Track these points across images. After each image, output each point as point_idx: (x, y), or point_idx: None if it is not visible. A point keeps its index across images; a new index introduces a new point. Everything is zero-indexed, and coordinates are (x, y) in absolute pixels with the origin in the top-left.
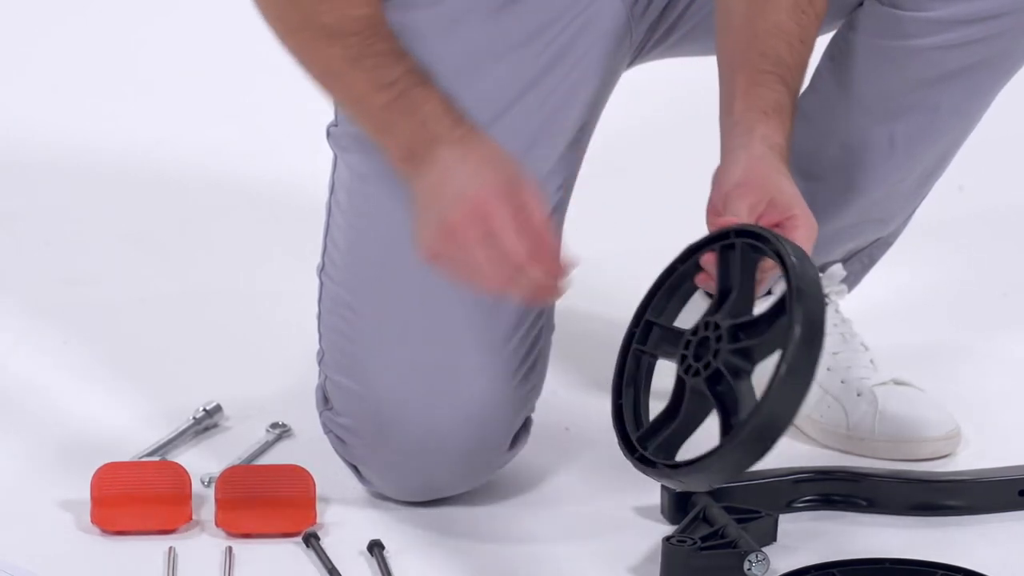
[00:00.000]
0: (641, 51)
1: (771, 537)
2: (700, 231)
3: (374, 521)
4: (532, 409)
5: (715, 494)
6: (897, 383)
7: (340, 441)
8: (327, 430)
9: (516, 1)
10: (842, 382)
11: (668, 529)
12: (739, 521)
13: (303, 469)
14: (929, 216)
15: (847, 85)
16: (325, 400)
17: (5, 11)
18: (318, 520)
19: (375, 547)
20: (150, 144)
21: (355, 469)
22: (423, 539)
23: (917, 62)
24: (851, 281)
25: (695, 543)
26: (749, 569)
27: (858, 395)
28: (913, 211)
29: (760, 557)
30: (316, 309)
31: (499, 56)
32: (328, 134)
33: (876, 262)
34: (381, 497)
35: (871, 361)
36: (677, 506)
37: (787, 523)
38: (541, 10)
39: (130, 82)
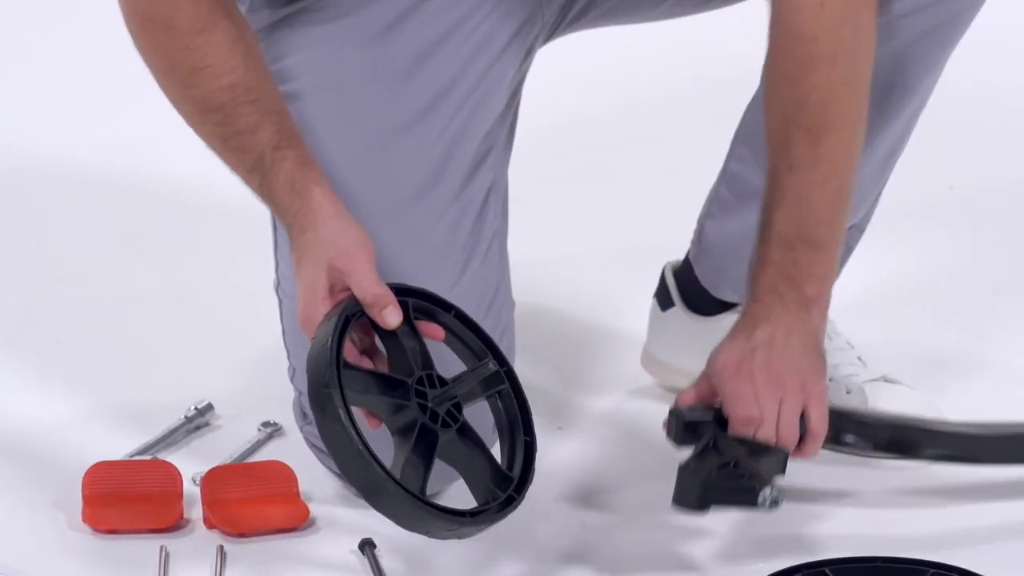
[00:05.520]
0: (556, 29)
1: (781, 470)
2: (678, 227)
3: (365, 520)
4: None
5: (723, 424)
6: (887, 380)
7: (325, 455)
8: (310, 444)
9: (407, 20)
10: (831, 380)
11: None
12: (750, 453)
13: (285, 464)
14: (918, 215)
15: None
16: (304, 415)
17: (8, 12)
18: (310, 516)
19: (366, 546)
20: (141, 143)
21: (343, 479)
22: (414, 538)
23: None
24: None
25: (711, 473)
26: (763, 501)
27: (847, 392)
28: (879, 195)
29: (776, 490)
30: (280, 326)
31: (401, 78)
32: None
33: (853, 251)
34: None
35: (859, 358)
36: (685, 430)
37: (777, 521)
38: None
39: (119, 84)
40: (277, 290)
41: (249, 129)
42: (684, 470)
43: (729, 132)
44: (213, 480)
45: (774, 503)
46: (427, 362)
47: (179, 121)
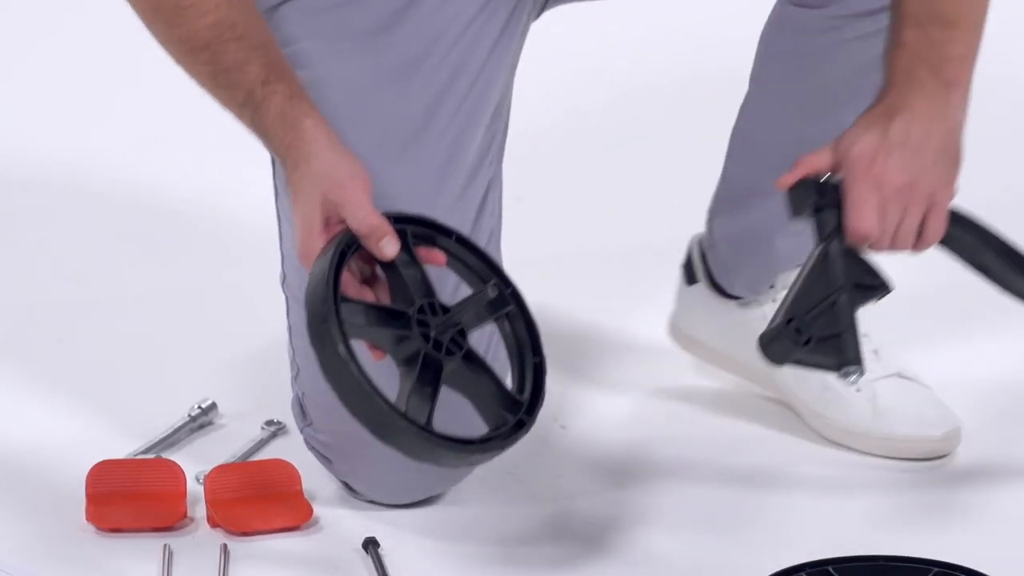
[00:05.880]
0: (546, 3)
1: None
2: (680, 225)
3: (369, 518)
4: None
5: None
6: (902, 377)
7: (325, 459)
8: (310, 447)
9: (405, 19)
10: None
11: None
12: (856, 286)
13: (288, 463)
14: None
15: (782, 92)
16: (303, 415)
17: (10, 15)
18: (313, 515)
19: (370, 544)
20: (142, 142)
21: (345, 484)
22: (418, 536)
23: (840, 55)
24: None
25: (808, 341)
26: (844, 374)
27: (857, 390)
28: None
29: (858, 372)
30: (286, 322)
31: (397, 78)
32: None
33: None
34: (375, 503)
35: (875, 352)
36: (806, 205)
37: (780, 519)
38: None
39: (120, 84)
40: (283, 286)
41: (237, 66)
42: (786, 326)
43: (731, 125)
44: (217, 479)
45: (851, 380)
46: (428, 290)
47: (180, 121)
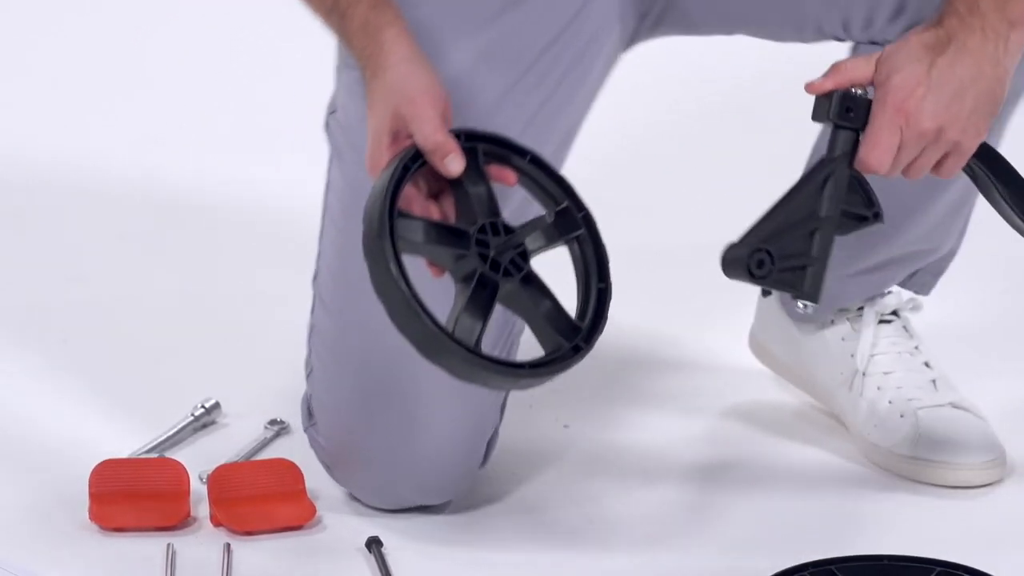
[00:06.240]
0: (634, 38)
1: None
2: (683, 229)
3: (372, 518)
4: (501, 419)
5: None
6: (955, 407)
7: (326, 466)
8: (312, 447)
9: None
10: (889, 402)
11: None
12: (844, 214)
13: (291, 462)
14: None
15: None
16: (310, 415)
17: (11, 15)
18: (317, 514)
19: (373, 544)
20: (151, 142)
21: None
22: (421, 536)
23: None
24: (925, 288)
25: (767, 276)
26: (800, 305)
27: (901, 416)
28: (961, 228)
29: (814, 309)
30: (309, 320)
31: (512, 59)
32: (326, 125)
33: (944, 271)
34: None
35: (933, 381)
36: (825, 115)
37: (783, 519)
38: (545, 18)
39: (130, 82)
40: (313, 283)
41: None
42: (750, 256)
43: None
44: (220, 478)
45: (803, 310)
46: (494, 209)
47: (180, 121)
